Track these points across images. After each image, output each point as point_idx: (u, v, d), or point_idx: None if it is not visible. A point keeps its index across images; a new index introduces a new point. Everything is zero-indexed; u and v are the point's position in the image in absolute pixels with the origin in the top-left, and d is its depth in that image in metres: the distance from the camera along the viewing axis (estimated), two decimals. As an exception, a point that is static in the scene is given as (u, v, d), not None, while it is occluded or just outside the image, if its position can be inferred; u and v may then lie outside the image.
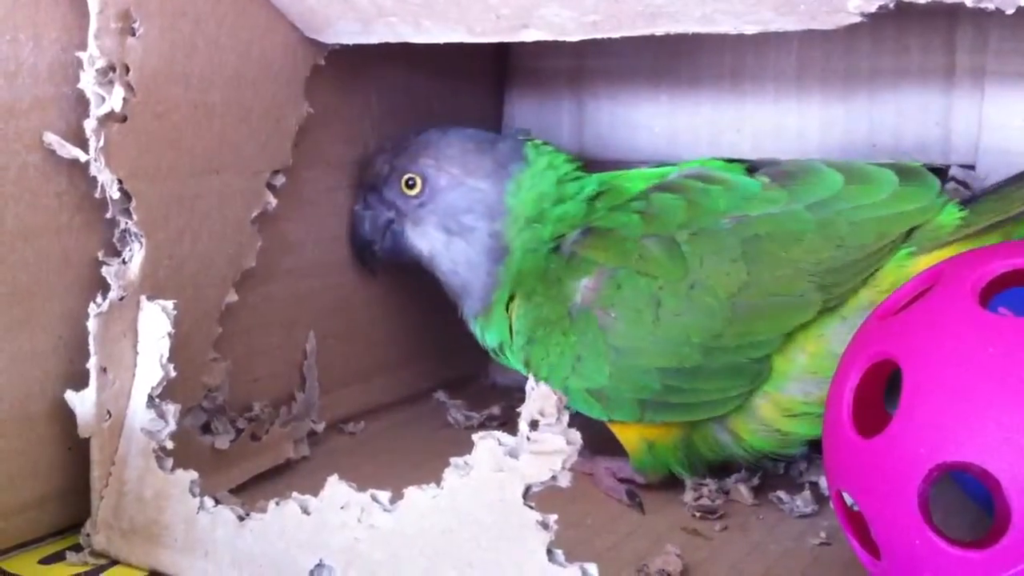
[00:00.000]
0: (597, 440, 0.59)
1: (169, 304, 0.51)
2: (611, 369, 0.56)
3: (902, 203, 0.54)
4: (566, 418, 0.39)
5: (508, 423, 0.69)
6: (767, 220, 0.55)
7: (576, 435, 0.39)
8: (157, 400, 0.51)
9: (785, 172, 0.57)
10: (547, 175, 0.62)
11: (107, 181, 0.50)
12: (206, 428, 0.58)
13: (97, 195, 0.51)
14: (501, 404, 0.74)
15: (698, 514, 0.56)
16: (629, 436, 0.59)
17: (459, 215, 0.63)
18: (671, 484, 0.59)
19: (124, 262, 0.52)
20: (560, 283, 0.58)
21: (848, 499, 0.42)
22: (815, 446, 0.55)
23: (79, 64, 0.50)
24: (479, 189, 0.62)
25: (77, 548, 0.51)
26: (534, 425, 0.39)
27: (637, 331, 0.55)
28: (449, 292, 0.66)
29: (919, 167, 0.56)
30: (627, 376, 0.55)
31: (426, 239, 0.64)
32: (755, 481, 0.59)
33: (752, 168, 0.59)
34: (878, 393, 0.43)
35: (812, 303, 0.53)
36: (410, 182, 0.64)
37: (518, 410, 0.40)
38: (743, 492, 0.58)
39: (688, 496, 0.57)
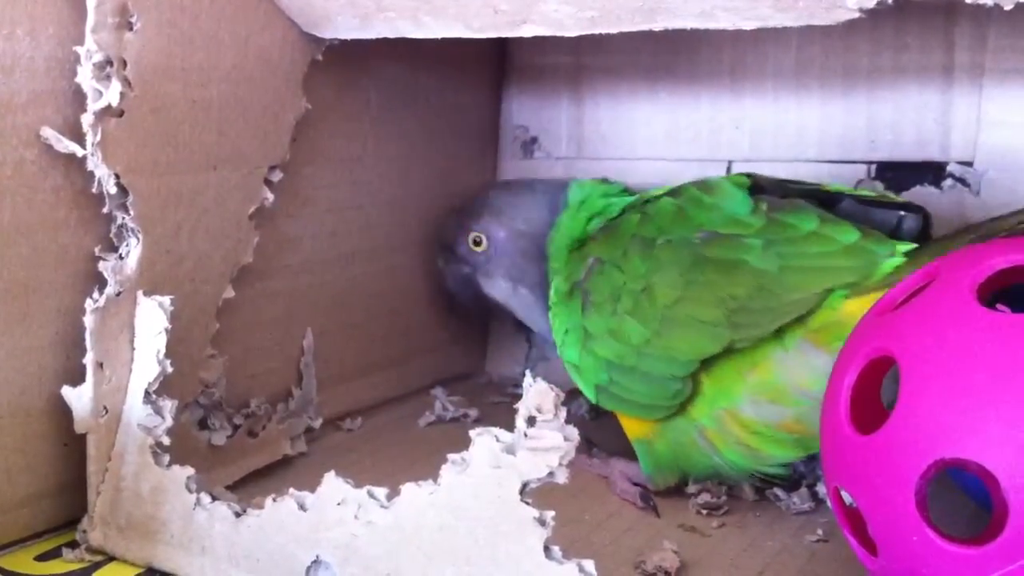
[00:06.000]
0: (617, 442, 0.60)
1: (166, 300, 0.51)
2: (580, 347, 0.58)
3: (841, 261, 0.52)
4: (563, 414, 0.39)
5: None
6: (723, 243, 0.54)
7: (573, 431, 0.39)
8: (154, 396, 0.50)
9: (781, 202, 0.56)
10: (579, 216, 0.65)
11: (104, 176, 0.50)
12: (203, 424, 0.58)
13: (94, 190, 0.51)
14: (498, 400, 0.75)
15: (704, 511, 0.56)
16: (632, 433, 0.59)
17: (518, 265, 0.68)
18: (671, 481, 0.59)
19: (121, 257, 0.52)
20: (574, 263, 0.62)
21: (846, 496, 0.42)
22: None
23: (76, 59, 0.50)
24: (531, 239, 0.67)
25: (73, 544, 0.51)
26: (531, 421, 0.39)
27: (599, 319, 0.57)
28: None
29: (878, 235, 0.53)
30: (588, 358, 0.58)
31: (497, 289, 0.70)
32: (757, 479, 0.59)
33: (760, 188, 0.58)
34: (876, 389, 0.43)
35: (721, 337, 0.53)
36: (476, 240, 0.70)
37: (515, 406, 0.40)
38: (746, 489, 0.58)
39: (692, 490, 0.57)
